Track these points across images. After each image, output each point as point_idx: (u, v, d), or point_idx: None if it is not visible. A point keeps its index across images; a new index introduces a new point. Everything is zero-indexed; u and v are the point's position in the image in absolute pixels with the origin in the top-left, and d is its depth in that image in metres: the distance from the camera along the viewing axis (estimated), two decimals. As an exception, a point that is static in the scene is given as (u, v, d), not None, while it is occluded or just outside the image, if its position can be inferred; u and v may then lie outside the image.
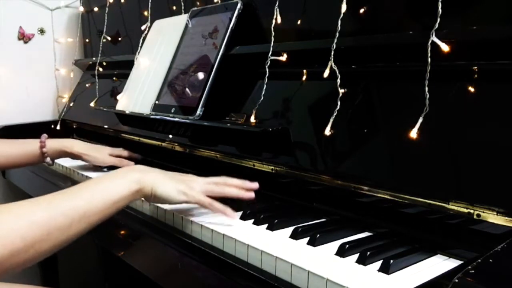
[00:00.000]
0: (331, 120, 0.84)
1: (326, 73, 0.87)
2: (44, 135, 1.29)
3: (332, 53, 0.86)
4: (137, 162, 1.30)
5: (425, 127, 0.72)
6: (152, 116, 1.26)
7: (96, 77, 1.69)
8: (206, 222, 0.83)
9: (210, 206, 0.84)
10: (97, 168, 1.31)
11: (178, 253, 0.83)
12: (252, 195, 0.87)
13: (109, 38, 1.74)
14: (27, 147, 1.26)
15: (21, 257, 0.64)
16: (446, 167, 0.71)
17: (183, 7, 1.38)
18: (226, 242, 0.77)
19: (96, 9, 1.85)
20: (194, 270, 0.79)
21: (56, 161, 1.38)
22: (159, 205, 0.93)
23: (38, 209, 0.67)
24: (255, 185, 0.88)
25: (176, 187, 0.83)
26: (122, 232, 1.01)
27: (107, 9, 1.70)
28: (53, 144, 1.27)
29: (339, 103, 0.84)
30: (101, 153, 1.30)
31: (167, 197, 0.83)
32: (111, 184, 0.77)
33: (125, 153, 1.33)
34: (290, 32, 1.05)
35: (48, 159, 1.27)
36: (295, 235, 0.77)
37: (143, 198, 0.84)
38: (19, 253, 0.63)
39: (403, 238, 0.75)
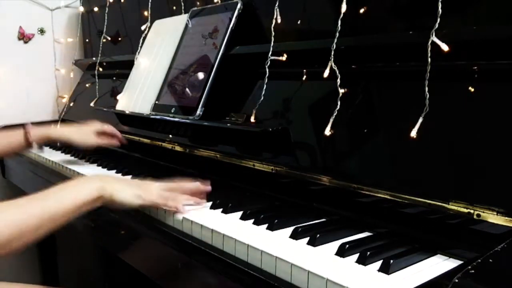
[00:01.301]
0: (331, 120, 0.84)
1: (326, 73, 0.87)
2: (29, 123, 1.31)
3: (332, 53, 0.86)
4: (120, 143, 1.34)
5: (425, 127, 0.72)
6: (152, 116, 1.26)
7: (96, 77, 1.69)
8: (206, 222, 0.83)
9: (164, 206, 0.90)
10: (98, 169, 1.31)
11: (178, 253, 0.83)
12: (204, 200, 0.95)
13: (109, 38, 1.74)
14: (12, 136, 1.30)
15: None
16: (446, 167, 0.71)
17: (183, 7, 1.38)
18: (226, 242, 0.77)
19: (96, 9, 1.85)
20: (194, 270, 0.79)
21: (56, 161, 1.38)
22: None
23: (13, 211, 0.75)
24: (208, 188, 0.95)
25: (133, 192, 0.89)
26: (122, 232, 1.01)
27: (107, 9, 1.70)
28: (38, 131, 1.30)
29: (339, 103, 0.84)
30: (86, 134, 1.32)
31: (124, 201, 0.88)
32: (75, 191, 0.83)
33: (109, 129, 1.35)
34: (290, 32, 1.05)
35: (34, 145, 1.29)
36: (295, 235, 0.77)
37: (102, 204, 0.88)
38: None
39: (403, 238, 0.75)
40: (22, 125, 1.30)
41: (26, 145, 1.29)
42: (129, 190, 0.89)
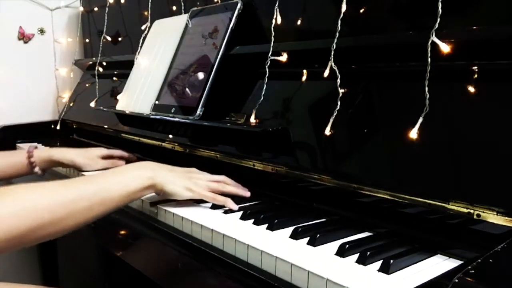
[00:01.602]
0: (331, 120, 0.84)
1: (326, 73, 0.87)
2: (32, 145, 1.26)
3: (332, 53, 0.86)
4: (129, 161, 1.29)
5: (425, 127, 0.72)
6: (152, 116, 1.26)
7: (96, 77, 1.69)
8: (206, 222, 0.83)
9: (213, 200, 0.92)
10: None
11: (178, 253, 0.83)
12: (248, 193, 0.97)
13: (109, 38, 1.74)
14: (14, 158, 1.23)
15: (46, 231, 0.72)
16: (446, 167, 0.71)
17: (183, 7, 1.38)
18: (226, 242, 0.77)
19: (96, 9, 1.85)
20: (194, 270, 0.79)
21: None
22: (161, 206, 0.93)
23: (66, 191, 0.77)
24: (247, 194, 0.97)
25: (183, 185, 0.91)
26: (122, 232, 1.01)
27: (107, 9, 1.70)
28: (41, 153, 1.24)
29: (339, 103, 0.84)
30: (91, 159, 1.25)
31: (174, 193, 0.91)
32: (127, 178, 0.85)
33: (117, 153, 1.30)
34: (290, 32, 1.05)
35: (37, 169, 1.23)
36: (295, 235, 0.77)
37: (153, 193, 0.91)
38: (46, 227, 0.72)
39: (403, 238, 0.75)
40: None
41: (29, 167, 1.22)
42: (179, 182, 0.91)
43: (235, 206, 0.90)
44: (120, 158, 1.30)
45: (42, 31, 1.93)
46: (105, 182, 0.82)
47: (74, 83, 1.95)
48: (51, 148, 1.30)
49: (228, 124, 1.04)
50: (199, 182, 0.93)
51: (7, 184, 0.78)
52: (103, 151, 1.29)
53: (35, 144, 1.27)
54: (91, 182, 0.82)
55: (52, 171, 1.39)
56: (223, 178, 0.97)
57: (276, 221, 0.81)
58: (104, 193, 0.80)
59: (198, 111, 1.11)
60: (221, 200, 0.91)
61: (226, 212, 0.90)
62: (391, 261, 0.64)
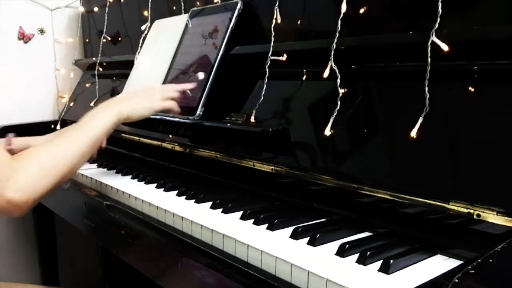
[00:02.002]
0: (331, 120, 0.84)
1: (326, 73, 0.87)
2: (11, 134, 1.24)
3: (332, 53, 0.86)
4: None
5: (425, 127, 0.72)
6: (152, 116, 1.25)
7: (96, 77, 1.69)
8: (206, 222, 0.83)
9: (172, 109, 1.09)
10: (98, 170, 1.30)
11: (178, 253, 0.83)
12: (192, 85, 1.15)
13: (109, 38, 1.74)
14: None
15: (66, 176, 0.91)
16: (446, 167, 0.71)
17: (183, 7, 1.38)
18: (226, 242, 0.77)
19: (96, 9, 1.85)
20: (194, 270, 0.79)
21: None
22: (161, 206, 0.93)
23: (73, 145, 0.93)
24: (191, 85, 1.14)
25: (144, 106, 1.06)
26: (122, 232, 1.01)
27: (107, 9, 1.70)
28: (20, 142, 1.23)
29: (339, 103, 0.84)
30: None
31: (140, 117, 1.05)
32: (102, 118, 0.99)
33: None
34: (290, 32, 1.05)
35: None
36: (295, 235, 0.77)
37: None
38: (66, 174, 0.90)
39: (403, 238, 0.75)
40: (6, 136, 1.22)
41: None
42: (141, 106, 1.05)
43: (178, 109, 1.09)
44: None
45: (42, 31, 1.93)
46: (90, 127, 0.97)
47: (74, 83, 1.95)
48: (31, 136, 1.29)
49: (228, 124, 1.04)
50: (155, 96, 1.08)
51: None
52: None
53: (12, 134, 1.24)
54: (82, 130, 0.96)
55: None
56: (172, 86, 1.14)
57: (276, 221, 0.81)
58: (93, 137, 0.96)
59: (198, 111, 1.11)
60: (176, 108, 1.09)
61: (226, 212, 0.90)
62: (391, 261, 0.64)
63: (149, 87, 1.15)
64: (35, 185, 0.84)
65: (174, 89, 1.12)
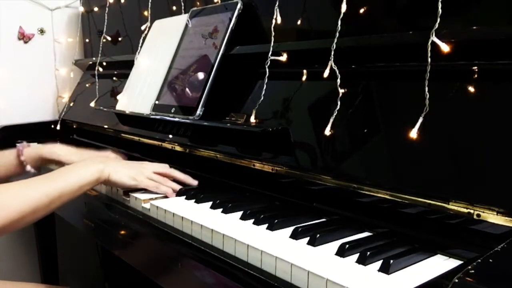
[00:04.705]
0: (331, 120, 0.84)
1: (326, 73, 0.87)
2: (23, 143, 1.22)
3: (332, 53, 0.86)
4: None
5: (425, 127, 0.72)
6: (152, 116, 1.25)
7: (96, 77, 1.69)
8: (206, 222, 0.83)
9: (155, 189, 1.02)
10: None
11: (178, 253, 0.83)
12: (195, 182, 1.07)
13: (109, 38, 1.74)
14: (4, 158, 1.20)
15: (14, 226, 0.85)
16: (446, 167, 0.71)
17: (183, 7, 1.38)
18: (226, 242, 0.77)
19: (96, 9, 1.85)
20: (194, 270, 0.79)
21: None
22: (161, 206, 0.93)
23: (29, 191, 0.88)
24: (195, 182, 1.07)
25: (128, 174, 1.01)
26: (122, 232, 1.01)
27: (107, 9, 1.70)
28: (32, 151, 1.21)
29: (339, 103, 0.84)
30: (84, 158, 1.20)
31: (120, 181, 1.01)
32: (80, 173, 0.96)
33: (112, 155, 1.27)
34: (290, 32, 1.05)
35: (28, 168, 1.20)
36: (295, 235, 0.77)
37: (102, 184, 1.02)
38: (14, 223, 0.85)
39: (403, 238, 0.75)
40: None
41: (19, 166, 1.20)
42: (125, 171, 1.01)
43: (173, 195, 1.01)
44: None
45: (42, 31, 1.93)
46: (61, 180, 0.92)
47: (74, 83, 1.95)
48: (44, 144, 1.26)
49: (228, 124, 1.04)
50: (144, 171, 1.03)
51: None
52: (98, 153, 1.27)
53: (25, 142, 1.22)
54: (51, 180, 0.92)
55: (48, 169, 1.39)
56: (169, 170, 1.07)
57: (276, 221, 0.81)
58: (59, 192, 0.90)
59: (198, 111, 1.11)
60: (163, 189, 1.01)
61: (226, 212, 0.90)
62: (391, 261, 0.64)
63: (144, 163, 1.09)
64: None
65: (166, 173, 1.06)
